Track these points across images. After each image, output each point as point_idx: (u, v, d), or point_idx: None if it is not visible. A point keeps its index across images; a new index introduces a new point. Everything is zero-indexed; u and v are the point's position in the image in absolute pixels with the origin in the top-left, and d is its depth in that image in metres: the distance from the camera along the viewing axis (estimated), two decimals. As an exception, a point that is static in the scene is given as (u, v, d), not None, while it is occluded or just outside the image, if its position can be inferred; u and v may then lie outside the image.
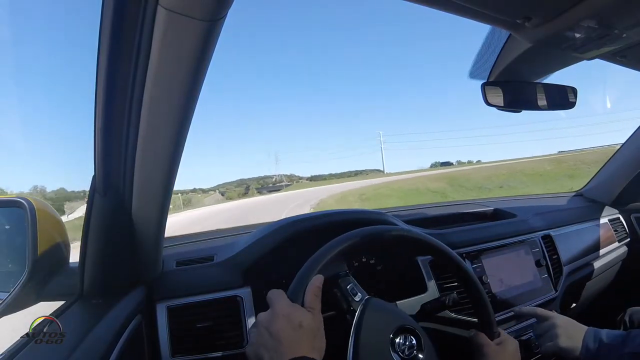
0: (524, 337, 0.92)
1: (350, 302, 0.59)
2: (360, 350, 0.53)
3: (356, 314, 0.56)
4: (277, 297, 0.51)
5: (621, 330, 0.69)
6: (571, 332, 0.72)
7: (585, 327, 0.72)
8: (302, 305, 0.51)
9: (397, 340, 0.55)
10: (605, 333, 0.69)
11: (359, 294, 0.60)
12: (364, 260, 0.87)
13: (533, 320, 0.96)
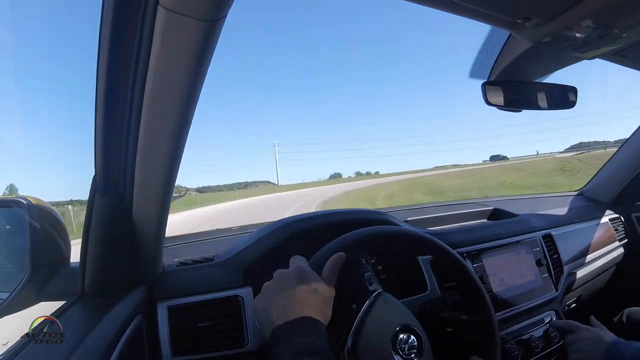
0: (524, 337, 0.92)
1: (364, 289, 0.59)
2: (361, 339, 0.53)
3: (367, 302, 0.57)
4: (299, 261, 0.55)
5: None
6: (595, 345, 0.74)
7: (611, 337, 0.74)
8: (320, 276, 0.53)
9: (400, 337, 0.55)
10: (626, 346, 0.70)
11: (374, 284, 0.60)
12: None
13: (533, 319, 0.97)
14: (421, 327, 0.59)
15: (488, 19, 0.55)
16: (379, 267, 0.87)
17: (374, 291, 0.59)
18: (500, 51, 0.72)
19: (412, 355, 0.55)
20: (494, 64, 0.75)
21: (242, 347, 0.72)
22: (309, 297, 0.49)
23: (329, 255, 0.56)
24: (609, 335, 0.75)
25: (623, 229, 1.39)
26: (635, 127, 1.32)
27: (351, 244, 0.59)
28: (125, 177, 0.56)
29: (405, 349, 0.55)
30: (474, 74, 0.80)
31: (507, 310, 0.92)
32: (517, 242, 1.04)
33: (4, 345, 0.52)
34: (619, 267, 1.36)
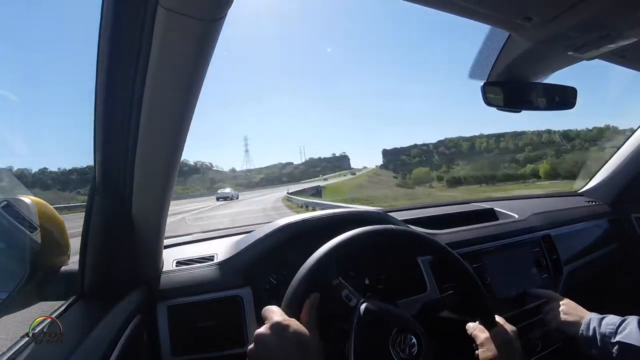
0: (523, 338, 0.92)
1: (346, 310, 0.59)
2: (360, 354, 0.53)
3: (354, 320, 0.56)
4: (273, 312, 0.52)
5: (619, 318, 0.72)
6: (572, 312, 0.79)
7: (587, 313, 0.77)
8: (298, 319, 0.51)
9: (398, 339, 0.55)
10: (599, 321, 0.73)
11: (353, 299, 0.59)
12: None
13: (532, 320, 0.97)
14: (414, 322, 0.59)
15: (488, 19, 0.55)
16: (379, 268, 0.87)
17: (355, 306, 0.58)
18: (500, 51, 0.72)
19: (414, 353, 0.55)
20: (494, 64, 0.75)
21: (241, 347, 0.71)
22: (295, 352, 0.48)
23: (299, 291, 0.54)
24: (583, 309, 0.80)
25: (622, 229, 1.39)
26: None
27: (318, 268, 0.57)
28: (125, 177, 0.56)
29: (405, 349, 0.55)
30: (473, 74, 0.80)
31: (506, 311, 0.92)
32: (517, 242, 1.04)
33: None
34: (618, 268, 1.36)
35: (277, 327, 0.49)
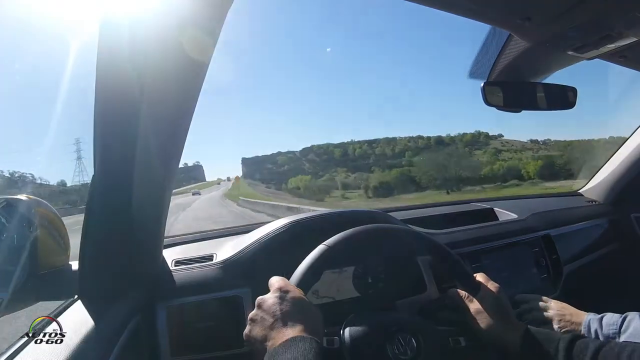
0: None
1: (338, 350, 0.59)
2: None
3: (346, 353, 0.57)
4: (276, 281, 0.56)
5: (619, 315, 0.69)
6: (568, 318, 0.74)
7: (583, 314, 0.73)
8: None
9: (395, 343, 0.56)
10: (599, 322, 0.70)
11: (334, 340, 0.59)
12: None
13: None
14: (415, 323, 0.59)
15: (488, 19, 0.55)
16: (380, 269, 0.87)
17: (342, 344, 0.58)
18: (500, 51, 0.72)
19: (414, 354, 0.56)
20: (494, 64, 0.75)
21: (241, 348, 0.71)
22: (295, 312, 0.50)
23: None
24: (578, 311, 0.75)
25: (622, 229, 1.39)
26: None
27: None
28: (125, 177, 0.56)
29: (407, 351, 0.56)
30: (473, 74, 0.80)
31: None
32: (517, 242, 1.04)
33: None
34: (618, 268, 1.36)
35: (279, 291, 0.53)
